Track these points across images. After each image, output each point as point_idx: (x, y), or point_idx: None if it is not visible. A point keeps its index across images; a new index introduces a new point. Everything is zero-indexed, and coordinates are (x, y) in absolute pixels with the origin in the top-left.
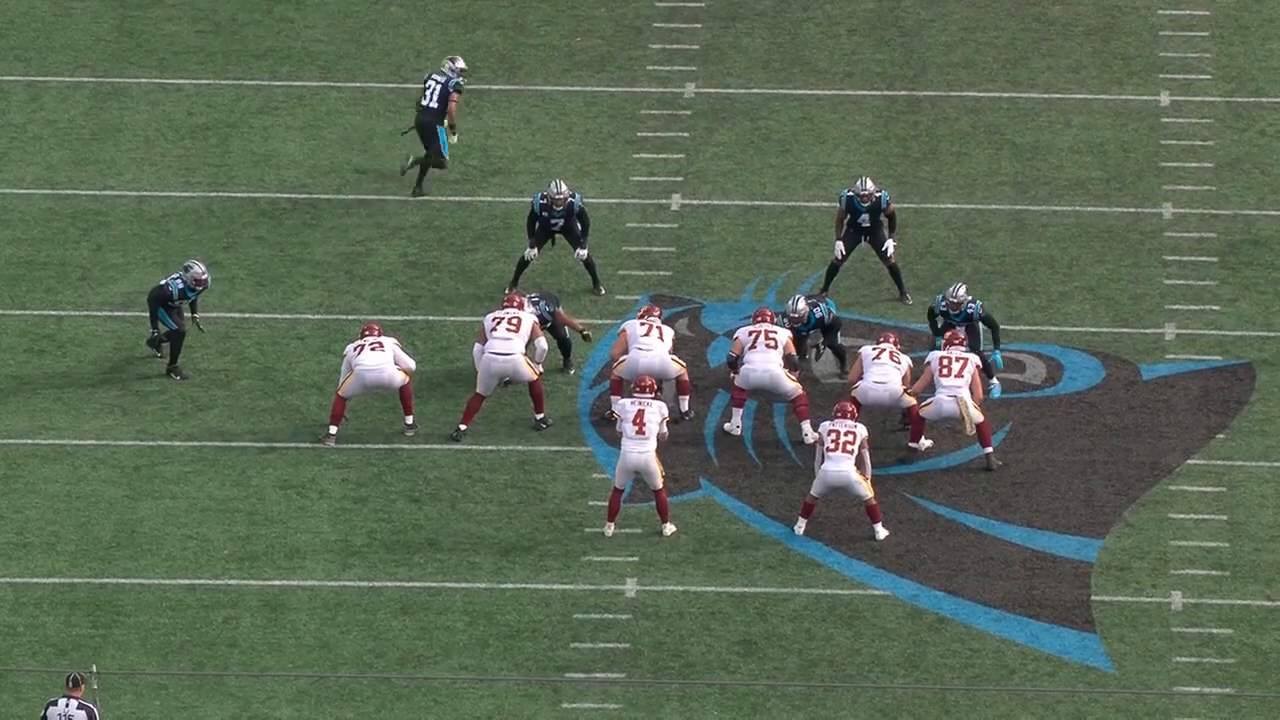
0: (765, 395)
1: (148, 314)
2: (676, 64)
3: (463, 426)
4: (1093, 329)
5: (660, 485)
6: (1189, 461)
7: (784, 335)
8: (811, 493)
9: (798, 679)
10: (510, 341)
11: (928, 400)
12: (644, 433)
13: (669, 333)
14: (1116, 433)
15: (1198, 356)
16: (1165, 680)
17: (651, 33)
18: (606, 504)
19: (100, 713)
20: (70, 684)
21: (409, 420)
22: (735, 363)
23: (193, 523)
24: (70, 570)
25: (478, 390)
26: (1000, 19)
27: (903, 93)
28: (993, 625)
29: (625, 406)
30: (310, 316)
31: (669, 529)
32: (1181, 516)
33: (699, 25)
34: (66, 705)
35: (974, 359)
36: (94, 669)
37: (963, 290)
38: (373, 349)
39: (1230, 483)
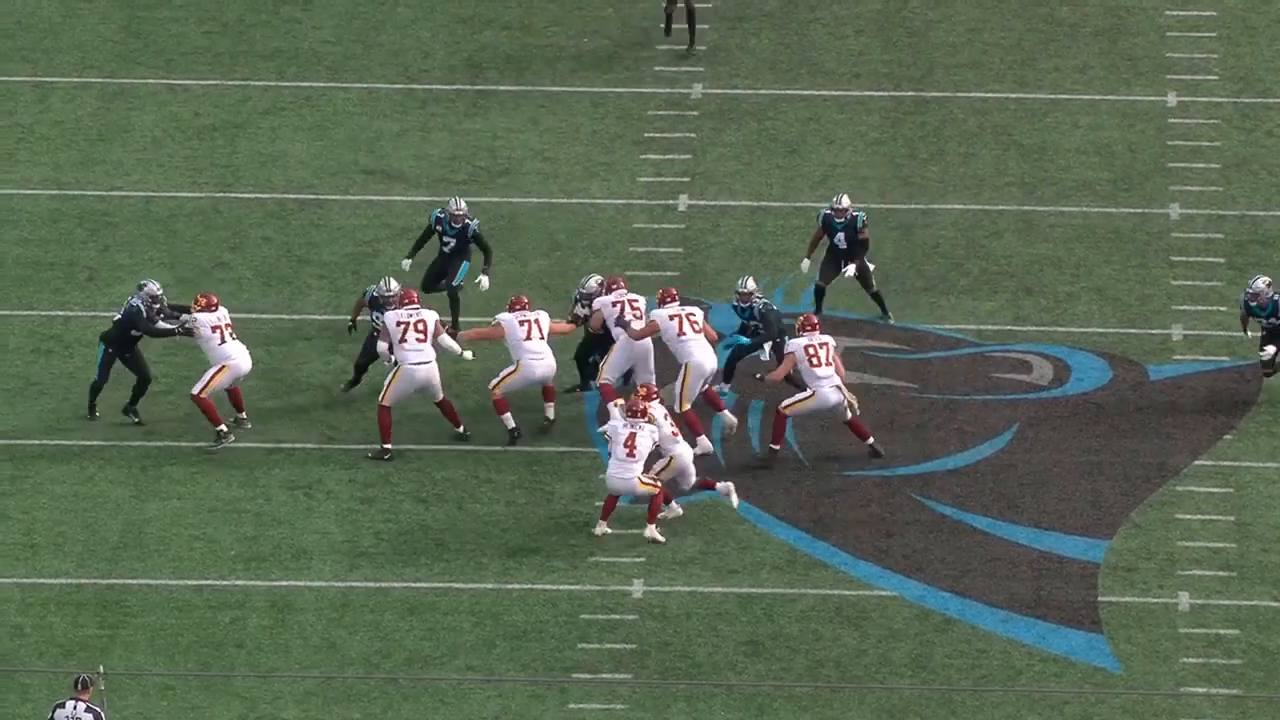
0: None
1: (101, 352)
2: (684, 65)
3: (387, 446)
4: (1100, 330)
5: (655, 493)
6: (1196, 462)
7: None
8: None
9: (805, 680)
10: (424, 350)
11: (805, 395)
12: (633, 456)
13: (545, 320)
14: (1124, 433)
15: (1205, 357)
16: (1172, 681)
17: (659, 34)
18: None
19: (107, 714)
20: (78, 686)
21: (244, 415)
22: (604, 338)
23: (200, 523)
24: (77, 571)
25: (385, 402)
26: (1007, 20)
27: (910, 93)
28: (1000, 626)
29: (617, 429)
30: (317, 317)
31: (650, 530)
32: (1189, 517)
33: (706, 26)
34: (74, 708)
35: (832, 340)
36: (101, 669)
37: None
38: (234, 336)
39: (1238, 483)
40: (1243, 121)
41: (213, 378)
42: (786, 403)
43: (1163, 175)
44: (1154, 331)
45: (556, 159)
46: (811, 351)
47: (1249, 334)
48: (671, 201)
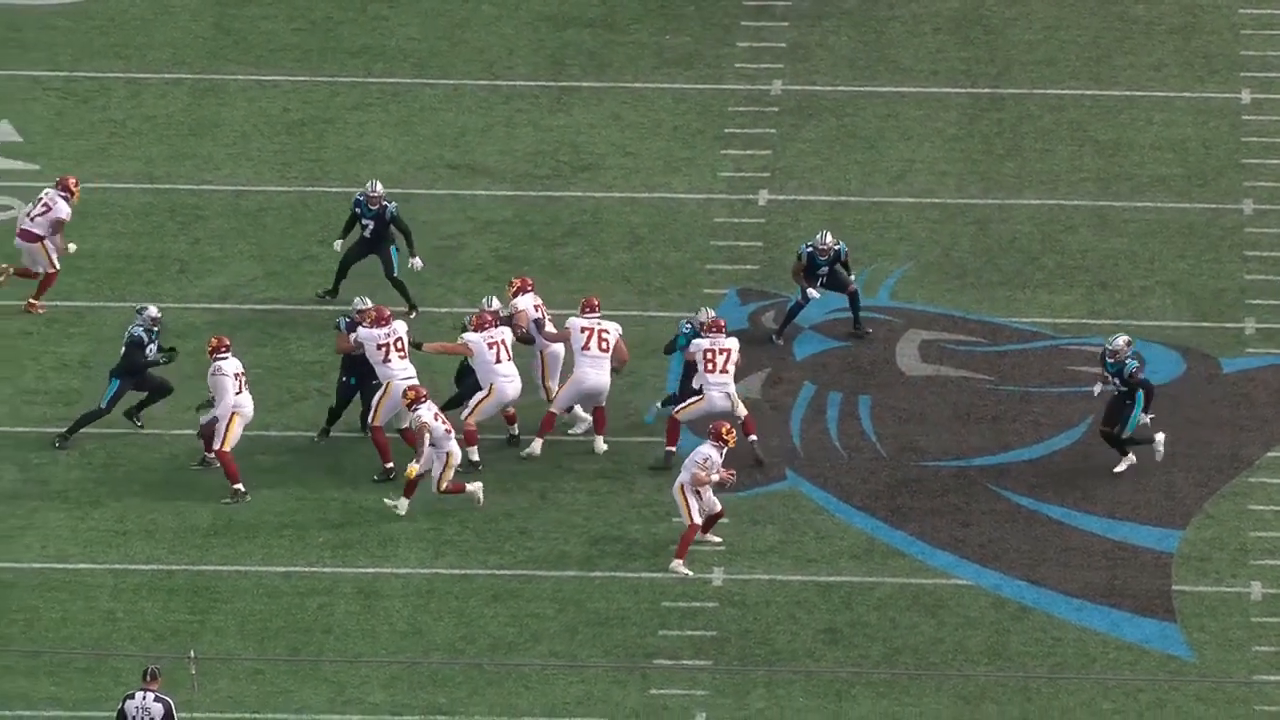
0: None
1: (114, 385)
2: (764, 61)
3: (389, 465)
4: (1174, 323)
5: (697, 522)
6: (1269, 454)
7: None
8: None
9: (882, 667)
10: (407, 365)
11: (695, 399)
12: (683, 464)
13: (510, 337)
14: (1197, 425)
15: (1278, 350)
16: (1245, 669)
17: (740, 31)
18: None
19: (176, 704)
20: (147, 677)
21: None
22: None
23: (289, 511)
24: (169, 557)
25: (378, 423)
26: (1083, 17)
27: (987, 90)
28: (1074, 615)
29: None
30: (403, 308)
31: (677, 564)
32: (1261, 508)
33: (786, 24)
34: (144, 698)
35: (734, 347)
36: (192, 654)
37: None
38: (245, 385)
39: None
40: None
41: (228, 429)
42: (678, 408)
43: (1236, 171)
44: (1227, 325)
45: (638, 154)
46: (709, 356)
47: (1099, 388)
48: (751, 196)
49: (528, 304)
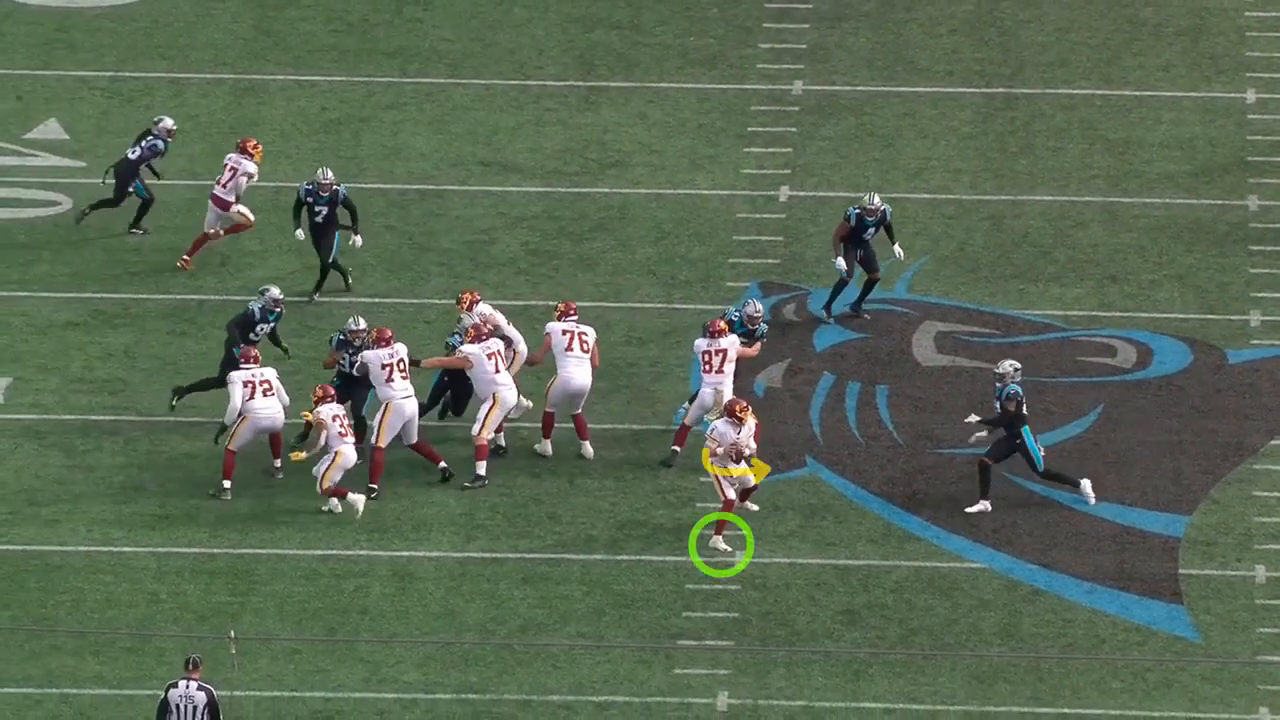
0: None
1: (227, 343)
2: (785, 62)
3: (374, 486)
4: (1181, 315)
5: (730, 498)
6: (1273, 442)
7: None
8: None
9: (898, 647)
10: (408, 385)
11: (693, 400)
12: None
13: (501, 348)
14: (1203, 414)
15: None
16: (1249, 650)
17: (762, 32)
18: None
19: (217, 692)
20: (189, 666)
21: (279, 464)
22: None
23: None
24: (210, 541)
25: (381, 444)
26: (1094, 20)
27: (1000, 90)
28: (1085, 597)
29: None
30: (436, 301)
31: (716, 540)
32: (1265, 494)
33: (807, 25)
34: (187, 687)
35: (731, 346)
36: (232, 634)
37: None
38: (265, 393)
39: None
40: None
41: (235, 429)
42: (685, 411)
43: (1242, 168)
44: (1233, 317)
45: (664, 151)
46: (707, 358)
47: (974, 418)
48: (773, 192)
49: (486, 309)
